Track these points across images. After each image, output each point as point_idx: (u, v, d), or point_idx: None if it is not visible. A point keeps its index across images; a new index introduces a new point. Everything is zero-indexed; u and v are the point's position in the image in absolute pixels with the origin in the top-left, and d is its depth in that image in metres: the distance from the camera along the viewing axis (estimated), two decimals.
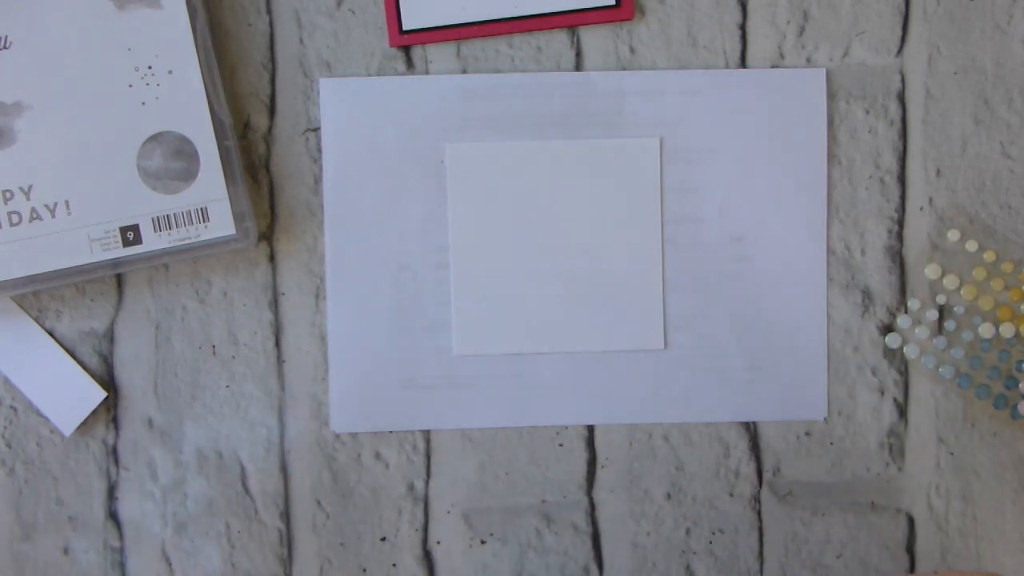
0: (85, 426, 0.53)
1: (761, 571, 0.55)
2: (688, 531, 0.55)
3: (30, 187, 0.50)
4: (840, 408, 0.55)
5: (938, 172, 0.54)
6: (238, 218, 0.51)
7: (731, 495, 0.55)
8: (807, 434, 0.55)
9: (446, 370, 0.54)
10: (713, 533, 0.55)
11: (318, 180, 0.53)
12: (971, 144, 0.54)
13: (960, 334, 0.54)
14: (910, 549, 0.55)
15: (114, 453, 0.54)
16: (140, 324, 0.53)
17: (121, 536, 0.54)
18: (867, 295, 0.54)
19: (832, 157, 0.54)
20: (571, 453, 0.55)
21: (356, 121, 0.53)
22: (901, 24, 0.54)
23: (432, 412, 0.54)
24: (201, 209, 0.51)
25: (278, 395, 0.54)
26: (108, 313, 0.53)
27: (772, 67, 0.54)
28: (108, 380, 0.54)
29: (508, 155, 0.53)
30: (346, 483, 0.54)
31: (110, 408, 0.54)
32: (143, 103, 0.50)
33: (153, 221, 0.50)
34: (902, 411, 0.55)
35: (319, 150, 0.53)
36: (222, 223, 0.51)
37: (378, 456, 0.54)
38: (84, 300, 0.53)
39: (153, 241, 0.50)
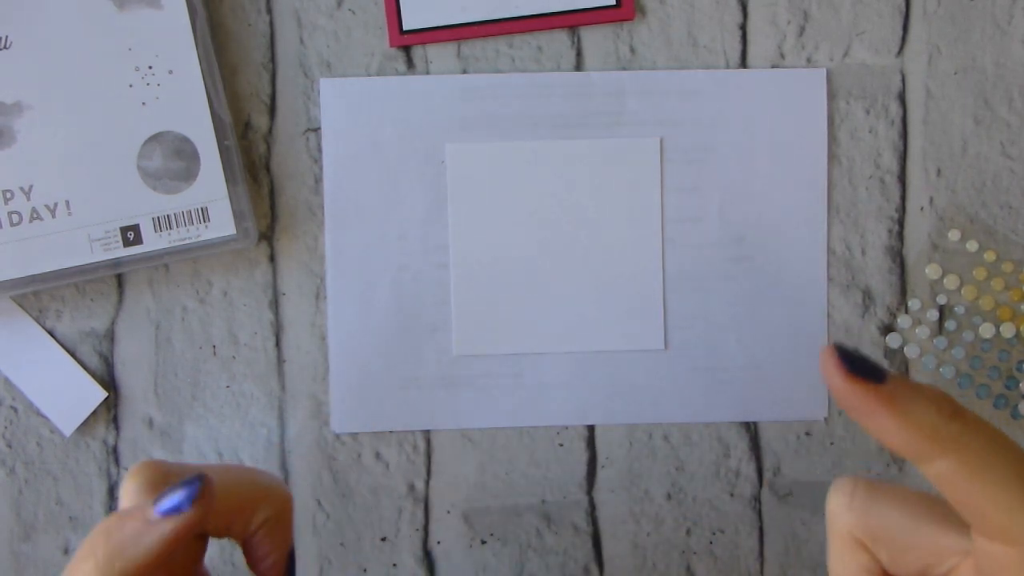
0: (85, 426, 0.53)
1: (761, 571, 0.55)
2: (688, 531, 0.55)
3: (30, 187, 0.50)
4: (840, 408, 0.55)
5: (938, 172, 0.54)
6: (238, 218, 0.51)
7: (731, 495, 0.55)
8: (807, 434, 0.55)
9: (446, 370, 0.54)
10: (713, 533, 0.55)
11: (318, 180, 0.53)
12: (971, 144, 0.54)
13: (960, 334, 0.54)
14: None
15: (114, 453, 0.54)
16: (140, 324, 0.53)
17: None
18: (867, 295, 0.54)
19: (832, 157, 0.54)
20: (571, 453, 0.55)
21: (356, 121, 0.53)
22: (901, 24, 0.54)
23: (432, 412, 0.54)
24: (201, 209, 0.51)
25: (278, 395, 0.54)
26: (108, 313, 0.53)
27: (772, 67, 0.54)
28: (108, 380, 0.54)
29: (508, 155, 0.53)
30: (346, 483, 0.54)
31: (110, 408, 0.54)
32: (143, 103, 0.50)
33: (153, 221, 0.50)
34: None
35: (319, 150, 0.53)
36: (222, 223, 0.51)
37: (378, 456, 0.54)
38: (84, 300, 0.53)
39: (153, 241, 0.50)
